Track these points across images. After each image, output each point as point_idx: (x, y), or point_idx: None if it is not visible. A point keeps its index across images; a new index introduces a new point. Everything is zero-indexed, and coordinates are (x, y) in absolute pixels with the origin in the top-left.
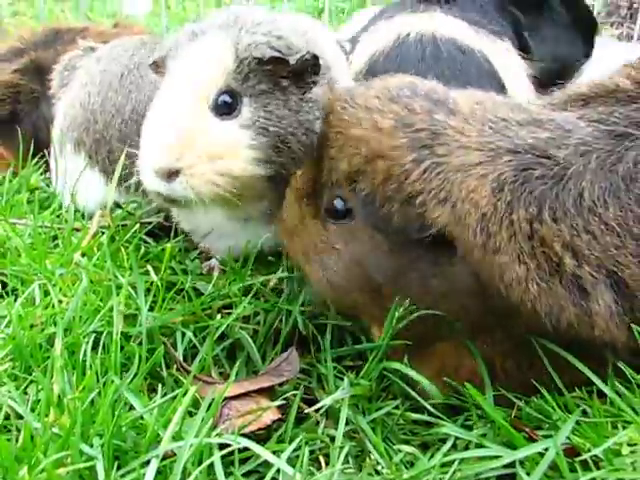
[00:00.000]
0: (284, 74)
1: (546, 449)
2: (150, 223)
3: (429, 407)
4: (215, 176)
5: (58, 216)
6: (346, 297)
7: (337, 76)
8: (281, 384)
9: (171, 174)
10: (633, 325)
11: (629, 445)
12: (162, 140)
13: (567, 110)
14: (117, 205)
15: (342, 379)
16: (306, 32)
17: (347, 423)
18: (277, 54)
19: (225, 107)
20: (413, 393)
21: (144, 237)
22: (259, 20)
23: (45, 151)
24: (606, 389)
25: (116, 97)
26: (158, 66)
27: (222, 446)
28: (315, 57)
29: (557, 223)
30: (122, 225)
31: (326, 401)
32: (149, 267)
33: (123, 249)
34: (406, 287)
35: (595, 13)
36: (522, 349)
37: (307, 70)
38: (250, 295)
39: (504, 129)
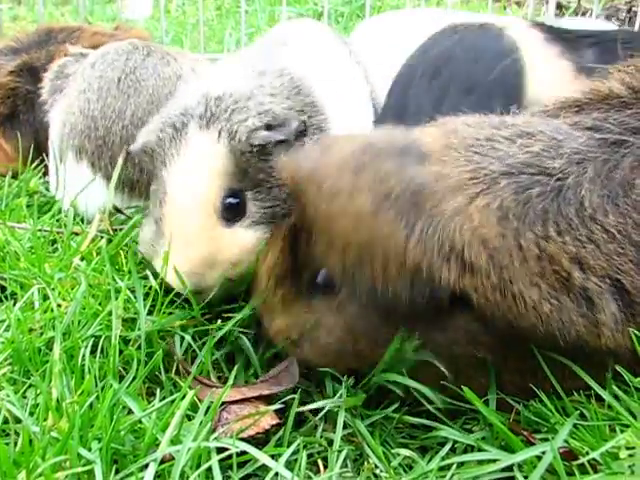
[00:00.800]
0: (269, 152)
1: (544, 452)
2: None
3: (429, 409)
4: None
5: (57, 220)
6: (340, 363)
7: (334, 114)
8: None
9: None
10: (633, 331)
11: (627, 448)
12: (187, 262)
13: (560, 117)
14: (117, 210)
15: (341, 383)
16: (288, 78)
17: (345, 427)
18: (280, 137)
19: (232, 209)
20: (415, 394)
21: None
22: (242, 94)
23: (44, 155)
24: (604, 393)
25: (115, 102)
26: (145, 152)
27: (220, 450)
28: (304, 123)
29: (562, 236)
30: (121, 229)
31: (321, 403)
32: (148, 272)
33: (122, 253)
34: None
35: (594, 16)
36: (525, 358)
37: (298, 137)
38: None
39: (492, 150)
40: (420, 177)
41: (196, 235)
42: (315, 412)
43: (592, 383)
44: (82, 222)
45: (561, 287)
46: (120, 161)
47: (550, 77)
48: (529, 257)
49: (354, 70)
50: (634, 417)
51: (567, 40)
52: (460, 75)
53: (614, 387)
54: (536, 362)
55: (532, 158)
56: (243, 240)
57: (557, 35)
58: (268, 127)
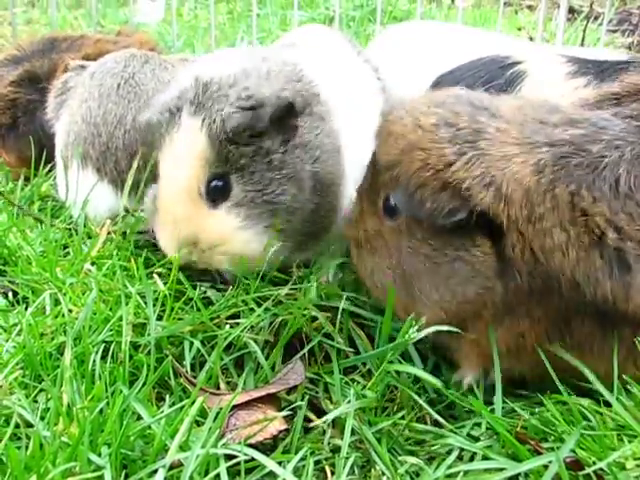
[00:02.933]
0: (262, 133)
1: (551, 462)
2: None
3: (436, 416)
4: (224, 257)
5: (69, 225)
6: (381, 284)
7: (339, 107)
8: (288, 392)
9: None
10: None
11: (634, 459)
12: (170, 243)
13: (601, 109)
14: (128, 211)
15: (349, 388)
16: (290, 67)
17: (353, 433)
18: (247, 120)
19: (218, 191)
20: (420, 401)
21: (152, 241)
22: (229, 81)
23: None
24: (611, 398)
25: (116, 108)
26: (149, 128)
27: (228, 456)
28: (289, 103)
29: (596, 201)
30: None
31: (331, 415)
32: (156, 277)
33: (133, 259)
34: (434, 272)
35: (606, 21)
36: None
37: (284, 118)
38: (258, 306)
39: (541, 129)
40: (485, 124)
41: (181, 216)
42: (323, 420)
43: (601, 388)
44: (93, 226)
45: (592, 242)
46: (134, 164)
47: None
48: (561, 203)
49: (362, 69)
50: None
51: (595, 72)
52: None
53: (622, 398)
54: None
55: (574, 138)
56: (226, 220)
57: (584, 67)
58: (251, 109)
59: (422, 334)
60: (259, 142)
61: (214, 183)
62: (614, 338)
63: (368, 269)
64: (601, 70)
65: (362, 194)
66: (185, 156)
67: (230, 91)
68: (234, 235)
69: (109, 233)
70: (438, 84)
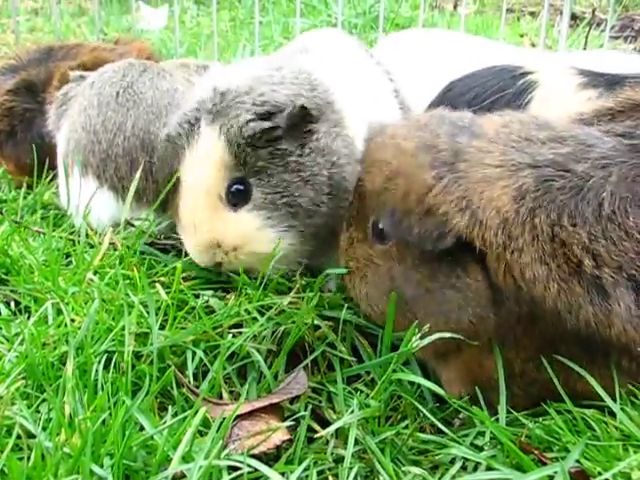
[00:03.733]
0: (278, 136)
1: (556, 472)
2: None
3: (439, 425)
4: (247, 260)
5: (71, 233)
6: (378, 308)
7: (353, 114)
8: (291, 402)
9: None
10: None
11: None
12: (195, 246)
13: (595, 124)
14: (129, 223)
15: (352, 398)
16: (305, 75)
17: (356, 443)
18: (263, 125)
19: (239, 195)
20: (424, 410)
21: (154, 251)
22: (245, 88)
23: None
24: (616, 408)
25: (116, 116)
26: (170, 141)
27: (232, 467)
28: (303, 108)
29: (575, 228)
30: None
31: (334, 426)
32: (159, 286)
33: (135, 268)
34: (427, 299)
35: (609, 27)
36: (542, 352)
37: (299, 123)
38: (261, 314)
39: (526, 147)
40: (466, 144)
41: (203, 220)
42: (326, 427)
43: (605, 396)
44: (95, 235)
45: (571, 271)
46: (138, 174)
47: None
48: (541, 236)
49: (378, 76)
50: None
51: (606, 85)
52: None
53: (627, 408)
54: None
55: (559, 158)
56: (247, 222)
57: (595, 79)
58: (265, 116)
59: (425, 342)
60: (276, 145)
61: (234, 187)
62: (602, 361)
63: (362, 294)
64: (612, 83)
65: (350, 221)
66: (204, 163)
67: (246, 98)
68: (256, 235)
69: (112, 242)
70: (450, 90)
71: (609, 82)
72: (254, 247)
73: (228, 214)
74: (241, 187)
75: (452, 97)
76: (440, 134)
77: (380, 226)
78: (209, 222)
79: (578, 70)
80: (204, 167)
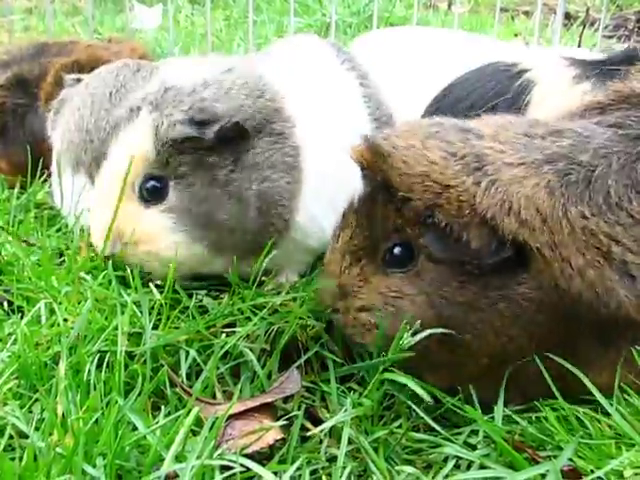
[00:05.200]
0: (207, 148)
1: (548, 471)
2: None
3: (432, 424)
4: (145, 257)
5: (64, 233)
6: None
7: (304, 120)
8: (284, 401)
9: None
10: None
11: (632, 467)
12: (97, 231)
13: (585, 118)
14: None
15: (346, 397)
16: (255, 79)
17: (350, 442)
18: (191, 132)
19: (153, 192)
20: (417, 409)
21: None
22: (188, 89)
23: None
24: (610, 409)
25: (108, 115)
26: (114, 128)
27: (224, 466)
28: (236, 124)
29: (597, 218)
30: None
31: (327, 424)
32: (152, 286)
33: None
34: (477, 318)
35: (602, 26)
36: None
37: (232, 138)
38: (254, 314)
39: (530, 144)
40: (481, 147)
41: (112, 207)
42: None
43: (599, 396)
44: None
45: (603, 258)
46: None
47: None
48: (576, 228)
49: (344, 81)
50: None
51: (597, 74)
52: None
53: (619, 407)
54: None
55: (564, 150)
56: (155, 221)
57: (587, 69)
58: (201, 124)
59: (417, 338)
60: (204, 155)
61: (150, 183)
62: (614, 353)
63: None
64: (603, 71)
65: (357, 254)
66: (128, 150)
67: (186, 99)
68: (161, 235)
69: None
70: (446, 96)
71: (600, 71)
72: (155, 247)
73: (138, 208)
74: (157, 185)
75: (450, 104)
76: (453, 140)
77: (396, 250)
78: (118, 210)
79: (570, 61)
80: (127, 154)
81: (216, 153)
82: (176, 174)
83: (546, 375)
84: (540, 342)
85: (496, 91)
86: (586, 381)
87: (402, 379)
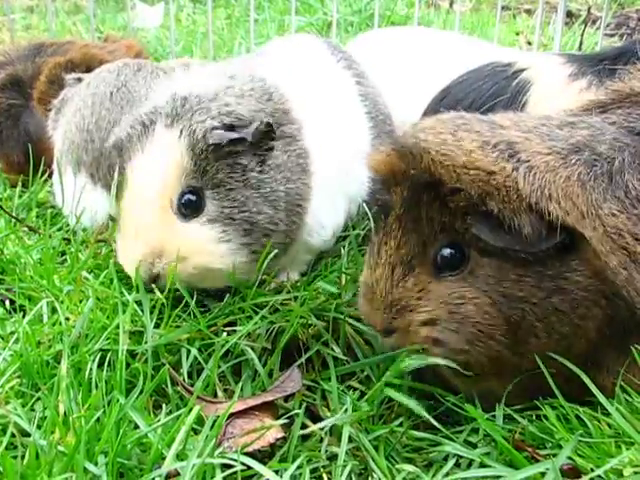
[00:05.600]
0: (241, 150)
1: (548, 469)
2: None
3: (433, 422)
4: (194, 273)
5: (67, 232)
6: (487, 346)
7: (310, 122)
8: (285, 399)
9: (153, 278)
10: None
11: (632, 466)
12: (133, 254)
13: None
14: (113, 219)
15: (347, 395)
16: (259, 83)
17: (350, 440)
18: (231, 136)
19: (190, 206)
20: (418, 408)
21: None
22: (210, 95)
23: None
24: (611, 408)
25: (109, 115)
26: (119, 149)
27: (226, 465)
28: (268, 124)
29: (622, 215)
30: None
31: (328, 422)
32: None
33: None
34: (536, 312)
35: (604, 25)
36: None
37: (263, 139)
38: (255, 313)
39: (550, 132)
40: (510, 136)
41: (148, 225)
42: (320, 426)
43: (599, 395)
44: (90, 233)
45: (629, 260)
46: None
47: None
48: (607, 227)
49: (341, 80)
50: (639, 433)
51: (593, 70)
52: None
53: (619, 406)
54: None
55: (584, 139)
56: (196, 235)
57: (582, 65)
58: (231, 128)
59: (417, 364)
60: (237, 158)
61: (187, 197)
62: (623, 358)
63: (459, 342)
64: (598, 67)
65: (410, 263)
66: (158, 165)
67: (211, 105)
68: (208, 248)
69: (105, 241)
70: (445, 97)
71: (596, 66)
72: (203, 260)
73: (178, 223)
74: (193, 198)
75: (447, 105)
76: (481, 130)
77: (446, 252)
78: (156, 228)
79: (565, 58)
80: (157, 169)
81: (246, 155)
82: (212, 183)
83: (549, 381)
84: (595, 338)
85: (493, 92)
86: (592, 387)
87: (402, 399)
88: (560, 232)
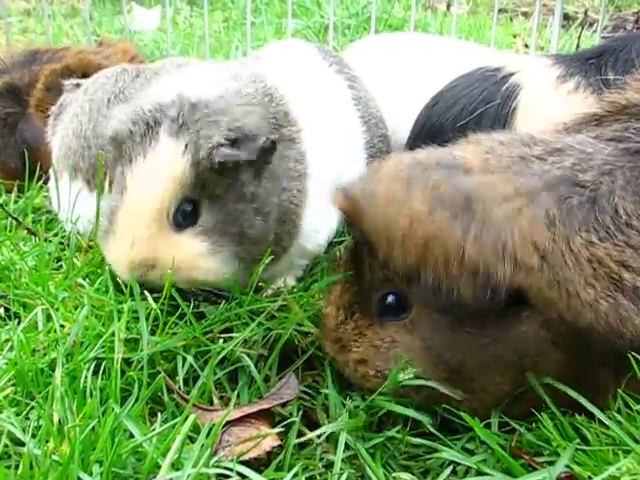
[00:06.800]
0: (242, 166)
1: (545, 478)
2: None
3: (431, 429)
4: (186, 283)
5: (63, 238)
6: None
7: (307, 124)
8: (282, 405)
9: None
10: None
11: (629, 474)
12: (128, 262)
13: (581, 132)
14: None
15: (345, 400)
16: (261, 84)
17: (347, 448)
18: (238, 156)
19: (186, 216)
20: (415, 415)
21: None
22: (221, 106)
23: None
24: (605, 418)
25: (106, 121)
26: (115, 141)
27: (221, 473)
28: (273, 142)
29: (604, 242)
30: None
31: (324, 430)
32: (147, 293)
33: None
34: (480, 358)
35: (601, 27)
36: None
37: (264, 155)
38: (252, 319)
39: (526, 168)
40: (468, 184)
41: (143, 234)
42: (316, 434)
43: (594, 410)
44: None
45: (615, 287)
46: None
47: (552, 112)
48: (581, 260)
49: (334, 84)
50: (636, 442)
51: (581, 71)
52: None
53: (615, 413)
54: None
55: (565, 172)
56: (189, 246)
57: (570, 66)
58: (236, 141)
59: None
60: (237, 174)
61: (184, 207)
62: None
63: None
64: (584, 66)
65: (351, 309)
66: (159, 175)
67: (221, 118)
68: (199, 261)
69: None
70: (435, 104)
71: (583, 66)
72: (194, 274)
73: (173, 235)
74: (188, 208)
75: (439, 112)
76: (438, 182)
77: (389, 300)
78: (151, 240)
79: (553, 60)
80: (157, 179)
81: (247, 170)
82: (210, 196)
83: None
84: (555, 373)
85: (484, 97)
86: (590, 405)
87: (398, 408)
88: (507, 291)
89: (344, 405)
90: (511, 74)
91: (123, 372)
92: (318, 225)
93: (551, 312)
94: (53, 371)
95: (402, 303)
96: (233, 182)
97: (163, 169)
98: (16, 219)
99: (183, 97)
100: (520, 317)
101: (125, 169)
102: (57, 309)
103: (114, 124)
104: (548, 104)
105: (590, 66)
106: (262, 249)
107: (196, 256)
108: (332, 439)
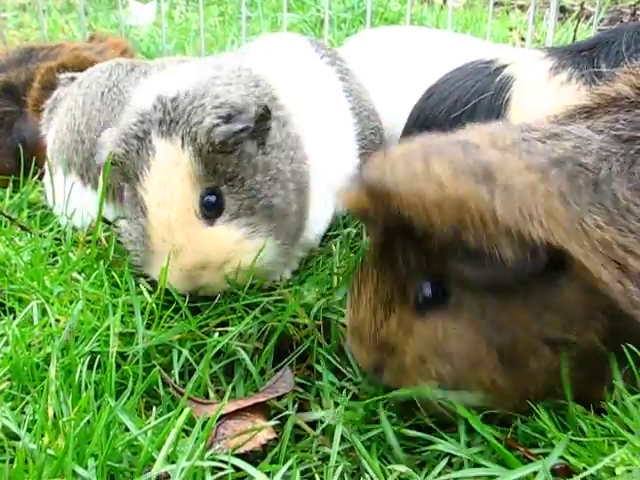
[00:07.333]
0: (244, 138)
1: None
2: None
3: (427, 421)
4: (234, 274)
5: (58, 232)
6: (482, 373)
7: (296, 111)
8: (278, 398)
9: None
10: None
11: (624, 465)
12: (179, 271)
13: (572, 124)
14: (106, 221)
15: (339, 395)
16: (246, 72)
17: (343, 440)
18: (235, 128)
19: (212, 207)
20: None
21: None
22: (195, 90)
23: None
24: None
25: (100, 115)
26: (114, 164)
27: (217, 466)
28: (266, 107)
29: (610, 227)
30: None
31: (319, 414)
32: (142, 287)
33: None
34: (526, 335)
35: (597, 20)
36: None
37: (260, 122)
38: (247, 313)
39: (531, 147)
40: (485, 156)
41: (184, 241)
42: (313, 425)
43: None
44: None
45: (621, 273)
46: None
47: (545, 103)
48: (593, 240)
49: (325, 75)
50: (631, 433)
51: (573, 62)
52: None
53: (610, 404)
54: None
55: (568, 153)
56: (226, 236)
57: (562, 58)
58: (228, 117)
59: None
60: (242, 147)
61: (206, 199)
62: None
63: (447, 378)
64: (577, 58)
65: (390, 303)
66: (170, 179)
67: (204, 101)
68: (240, 248)
69: (97, 242)
70: (429, 97)
71: (575, 58)
72: (239, 261)
73: (207, 230)
74: (213, 198)
75: (433, 104)
76: (454, 155)
77: (427, 289)
78: (191, 242)
79: (546, 52)
80: (171, 183)
81: (249, 141)
82: (225, 177)
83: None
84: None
85: (477, 89)
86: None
87: (387, 426)
88: (545, 251)
89: (339, 398)
90: (504, 66)
91: (118, 366)
92: (317, 215)
93: (589, 277)
94: (48, 365)
95: (442, 288)
96: (241, 156)
97: (171, 172)
98: (9, 217)
99: (162, 97)
100: (562, 283)
101: (136, 189)
102: (52, 304)
103: (109, 149)
104: (541, 95)
105: (582, 58)
106: (292, 223)
107: (236, 242)
108: (328, 432)
